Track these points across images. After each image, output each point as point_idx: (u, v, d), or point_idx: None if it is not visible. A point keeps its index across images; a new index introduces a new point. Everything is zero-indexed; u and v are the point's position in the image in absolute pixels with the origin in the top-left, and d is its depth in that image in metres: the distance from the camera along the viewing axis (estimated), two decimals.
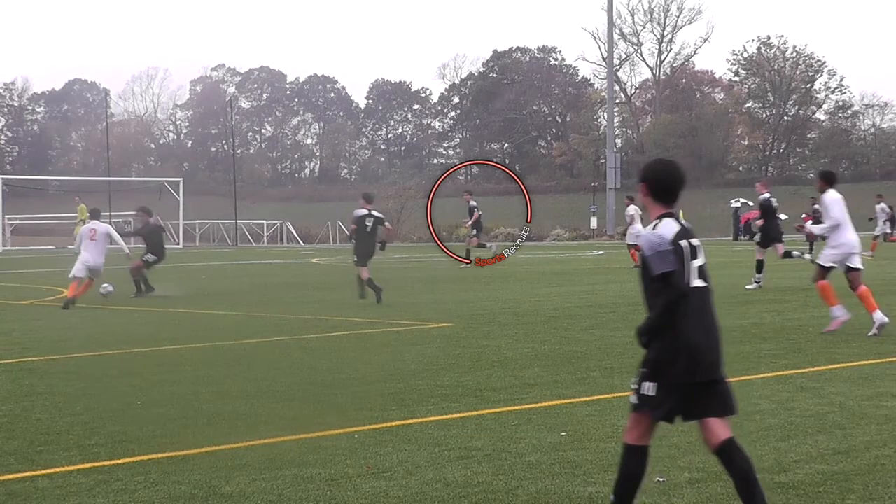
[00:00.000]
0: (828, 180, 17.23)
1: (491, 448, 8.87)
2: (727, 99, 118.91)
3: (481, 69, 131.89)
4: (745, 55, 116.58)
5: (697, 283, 6.45)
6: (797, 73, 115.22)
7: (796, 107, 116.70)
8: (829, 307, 16.61)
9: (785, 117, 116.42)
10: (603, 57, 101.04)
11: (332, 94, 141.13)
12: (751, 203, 69.24)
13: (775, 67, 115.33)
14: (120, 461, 8.38)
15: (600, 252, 50.40)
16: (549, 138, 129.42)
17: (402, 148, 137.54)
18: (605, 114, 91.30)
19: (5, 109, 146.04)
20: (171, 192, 74.60)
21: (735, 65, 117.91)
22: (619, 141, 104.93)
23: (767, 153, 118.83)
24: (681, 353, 6.38)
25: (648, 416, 6.50)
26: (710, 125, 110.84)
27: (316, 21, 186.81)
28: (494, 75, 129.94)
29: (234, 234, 75.67)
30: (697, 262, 6.50)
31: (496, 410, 10.56)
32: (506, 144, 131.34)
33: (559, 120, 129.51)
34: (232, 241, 75.24)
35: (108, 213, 70.96)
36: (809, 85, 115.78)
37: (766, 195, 26.94)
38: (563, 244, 66.69)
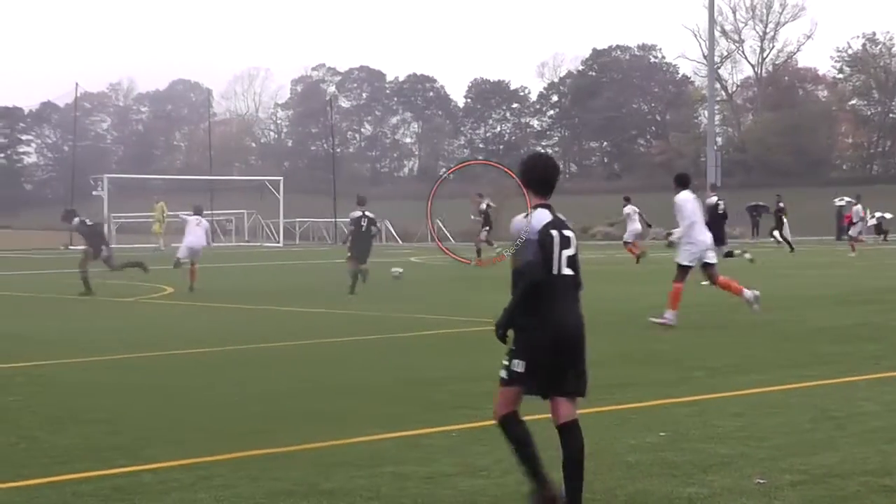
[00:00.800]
0: (679, 182, 18.22)
1: (589, 447, 8.79)
2: (831, 97, 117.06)
3: (580, 67, 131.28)
4: (850, 52, 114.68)
5: (566, 271, 6.88)
6: None
7: None
8: (670, 308, 17.45)
9: (890, 115, 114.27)
10: (703, 54, 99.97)
11: (431, 94, 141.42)
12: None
13: (881, 64, 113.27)
14: (220, 457, 8.48)
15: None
16: (648, 137, 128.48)
17: (501, 147, 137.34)
18: (706, 112, 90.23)
19: (111, 109, 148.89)
20: (272, 190, 75.35)
21: (839, 62, 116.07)
22: (719, 139, 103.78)
23: (872, 151, 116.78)
24: (547, 334, 6.79)
25: (517, 390, 6.98)
26: (814, 123, 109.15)
27: (415, 20, 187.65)
28: (593, 73, 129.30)
29: (334, 233, 76.18)
30: (568, 252, 6.90)
31: (594, 410, 10.49)
32: (605, 143, 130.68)
33: (658, 118, 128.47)
34: (331, 239, 75.77)
35: (210, 212, 71.92)
36: None
37: (714, 199, 28.75)
38: (662, 243, 66.09)
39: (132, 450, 8.94)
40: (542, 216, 6.91)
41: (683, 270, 17.92)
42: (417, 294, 25.80)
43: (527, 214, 6.92)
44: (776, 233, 50.18)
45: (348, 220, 27.17)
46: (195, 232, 28.55)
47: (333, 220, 77.00)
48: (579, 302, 6.97)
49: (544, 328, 6.83)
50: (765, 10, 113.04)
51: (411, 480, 7.86)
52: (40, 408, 11.01)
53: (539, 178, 7.05)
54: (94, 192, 71.25)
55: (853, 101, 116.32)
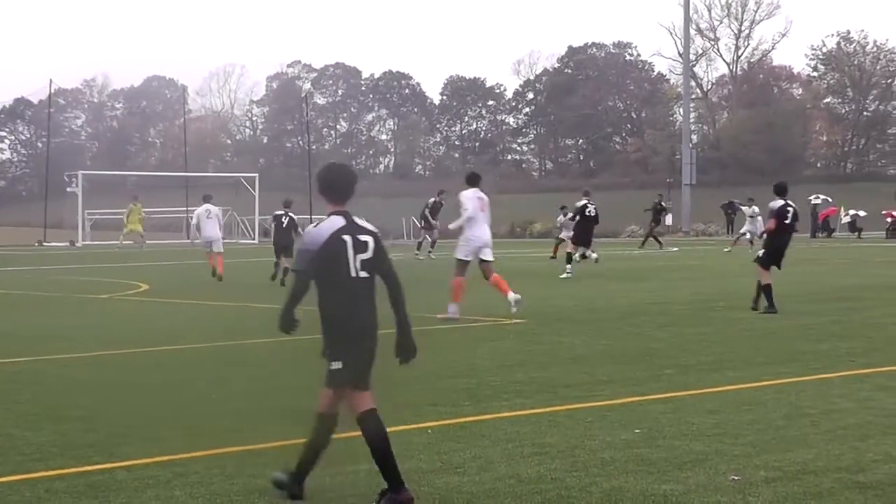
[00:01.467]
0: (468, 181, 19.57)
1: (564, 445, 8.85)
2: (805, 94, 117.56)
3: (556, 65, 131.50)
4: (825, 50, 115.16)
5: (362, 273, 7.31)
6: (878, 68, 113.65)
7: (876, 102, 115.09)
8: (453, 301, 18.65)
9: (864, 113, 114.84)
10: (679, 52, 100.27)
11: (407, 91, 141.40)
12: (830, 199, 68.44)
13: (855, 62, 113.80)
14: (196, 454, 8.47)
15: (675, 249, 50.04)
16: (623, 134, 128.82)
17: (476, 144, 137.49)
18: (681, 109, 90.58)
19: (85, 106, 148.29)
20: (248, 187, 75.22)
21: (814, 60, 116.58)
22: (694, 137, 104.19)
23: (846, 149, 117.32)
24: (350, 333, 7.31)
25: (339, 389, 7.39)
26: (788, 121, 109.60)
27: (391, 17, 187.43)
28: (569, 71, 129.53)
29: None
30: (363, 256, 7.31)
31: (570, 407, 10.53)
32: (580, 140, 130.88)
33: (634, 116, 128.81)
34: None
35: (185, 208, 71.75)
36: (890, 80, 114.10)
37: (584, 202, 31.36)
38: (638, 240, 66.28)
39: (107, 447, 8.92)
40: (332, 224, 7.31)
41: (461, 265, 18.93)
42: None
43: (316, 224, 7.40)
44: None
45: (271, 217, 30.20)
46: (209, 223, 30.74)
47: (309, 216, 76.84)
48: (373, 301, 7.38)
49: (346, 328, 7.33)
50: (740, 8, 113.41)
51: None
52: (16, 405, 10.97)
53: (332, 187, 7.48)
54: (68, 189, 70.97)
55: (827, 100, 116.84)
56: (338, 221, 7.33)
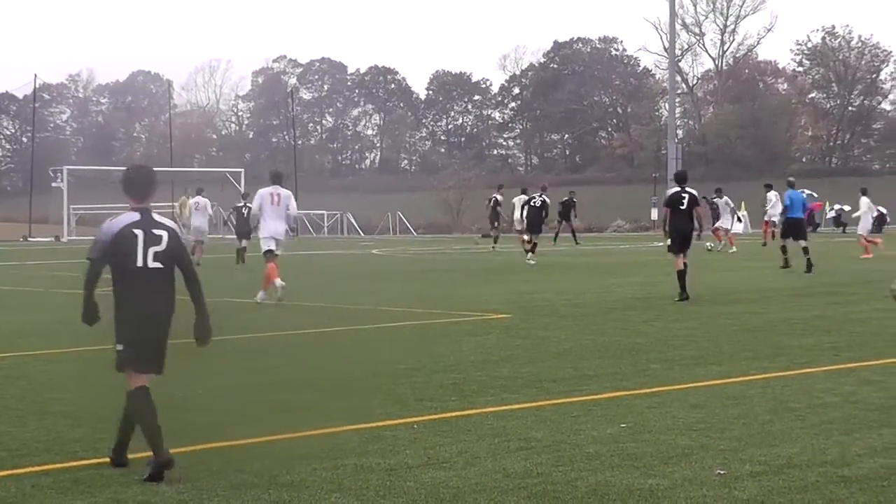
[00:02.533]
0: (271, 179, 21.99)
1: (550, 439, 8.86)
2: (790, 89, 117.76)
3: (542, 60, 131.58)
4: (810, 45, 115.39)
5: (155, 264, 7.95)
6: (862, 63, 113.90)
7: (861, 97, 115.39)
8: (269, 284, 20.74)
9: (849, 108, 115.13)
10: (664, 47, 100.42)
11: (393, 86, 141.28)
12: (815, 195, 68.61)
13: (840, 57, 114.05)
14: (182, 450, 8.45)
15: (660, 244, 50.07)
16: (609, 129, 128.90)
17: (462, 139, 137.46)
18: (667, 104, 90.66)
19: (70, 101, 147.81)
20: (233, 182, 75.10)
21: (799, 55, 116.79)
22: (680, 132, 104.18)
23: (831, 144, 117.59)
24: (136, 319, 7.94)
25: (132, 370, 8.05)
26: (773, 116, 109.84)
27: (377, 12, 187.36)
28: (555, 66, 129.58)
29: (296, 225, 76.12)
30: (156, 248, 7.95)
31: (556, 402, 10.55)
32: (566, 135, 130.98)
33: (620, 111, 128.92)
34: (292, 231, 75.64)
35: (170, 204, 71.53)
36: (875, 75, 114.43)
37: (537, 195, 35.50)
38: (624, 235, 66.40)
39: (93, 442, 8.90)
40: (127, 218, 8.00)
41: (268, 254, 21.18)
42: (377, 287, 25.79)
43: (113, 218, 8.04)
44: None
45: (231, 208, 36.44)
46: (196, 215, 35.64)
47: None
48: (167, 291, 8.01)
49: (133, 314, 7.94)
50: (725, 3, 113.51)
51: (374, 472, 7.87)
52: (1, 400, 10.95)
53: (133, 186, 8.17)
54: (53, 184, 70.82)
55: (812, 94, 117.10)
56: (132, 216, 8.01)
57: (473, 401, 10.60)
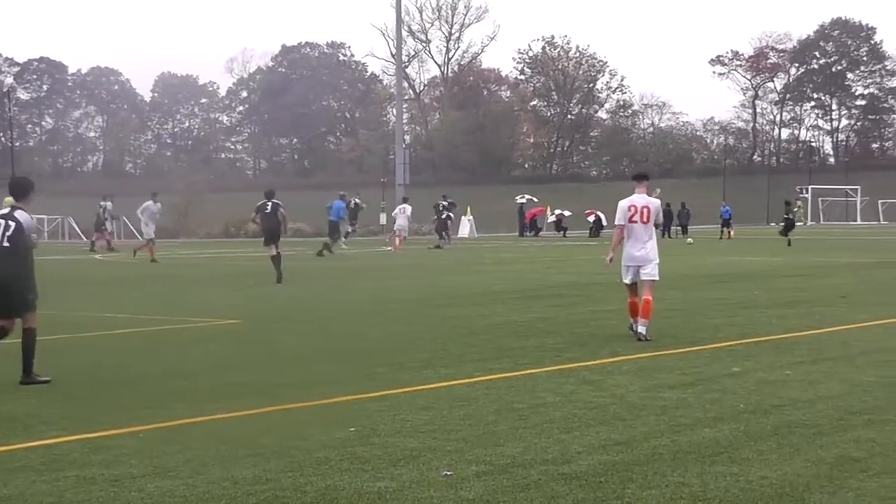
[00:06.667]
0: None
1: (279, 445, 8.81)
2: (513, 97, 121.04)
3: (270, 64, 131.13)
4: (531, 54, 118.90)
5: (5, 244, 11.87)
6: (580, 72, 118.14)
7: (580, 106, 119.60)
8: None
9: (569, 116, 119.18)
10: (392, 53, 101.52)
11: (116, 87, 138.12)
12: (535, 199, 70.68)
13: (559, 67, 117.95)
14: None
15: (389, 248, 50.54)
16: (338, 134, 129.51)
17: (189, 142, 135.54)
18: (394, 110, 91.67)
19: None
20: None
21: (521, 63, 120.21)
22: (408, 137, 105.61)
23: (552, 151, 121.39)
24: None
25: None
26: (497, 123, 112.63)
27: (98, 11, 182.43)
28: (283, 70, 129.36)
29: None
30: (7, 233, 11.88)
31: (285, 407, 10.51)
32: (294, 140, 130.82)
33: (348, 115, 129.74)
34: None
35: None
36: (592, 84, 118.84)
37: (352, 199, 40.42)
38: (355, 240, 66.70)
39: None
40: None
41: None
42: (101, 293, 25.12)
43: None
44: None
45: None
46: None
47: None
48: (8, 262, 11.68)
49: None
50: (450, 11, 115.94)
51: (96, 484, 7.66)
52: None
53: (12, 190, 12.40)
54: None
55: (534, 102, 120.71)
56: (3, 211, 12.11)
57: (202, 408, 10.45)
